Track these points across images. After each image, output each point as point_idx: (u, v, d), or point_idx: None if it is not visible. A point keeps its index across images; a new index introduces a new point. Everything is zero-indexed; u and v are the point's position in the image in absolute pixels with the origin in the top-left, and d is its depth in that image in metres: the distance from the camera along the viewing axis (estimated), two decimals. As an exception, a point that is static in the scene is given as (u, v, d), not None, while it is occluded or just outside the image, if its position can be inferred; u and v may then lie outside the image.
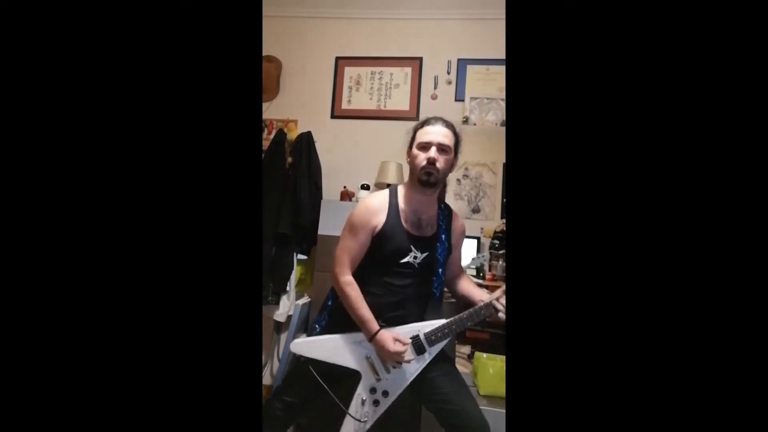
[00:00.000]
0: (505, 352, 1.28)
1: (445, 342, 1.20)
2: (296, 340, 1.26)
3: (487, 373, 1.44)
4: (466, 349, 1.70)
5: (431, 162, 1.18)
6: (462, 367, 1.63)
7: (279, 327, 2.28)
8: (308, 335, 1.30)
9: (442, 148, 1.20)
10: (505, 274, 1.96)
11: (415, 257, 1.20)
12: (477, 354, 1.52)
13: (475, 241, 2.18)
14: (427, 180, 1.19)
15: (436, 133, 1.20)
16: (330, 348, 1.21)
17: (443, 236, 1.26)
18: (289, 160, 2.27)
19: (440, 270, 1.25)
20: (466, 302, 1.29)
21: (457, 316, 1.19)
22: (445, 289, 1.34)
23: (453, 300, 1.43)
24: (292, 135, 2.32)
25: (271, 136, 2.36)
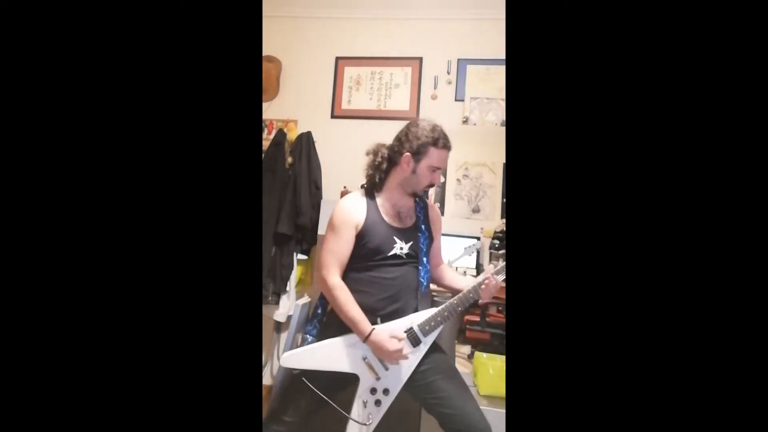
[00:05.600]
0: (505, 352, 1.28)
1: (439, 330, 1.21)
2: (286, 353, 1.20)
3: (487, 373, 1.44)
4: (466, 349, 1.69)
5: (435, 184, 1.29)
6: (462, 367, 1.62)
7: (279, 327, 2.28)
8: (299, 345, 1.26)
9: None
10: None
11: (401, 248, 1.23)
12: (477, 354, 1.52)
13: (475, 241, 2.18)
14: (422, 192, 1.29)
15: (446, 160, 1.28)
16: (324, 355, 1.18)
17: (422, 226, 1.30)
18: (289, 160, 2.27)
19: (425, 259, 1.28)
20: (452, 291, 1.31)
21: (447, 303, 1.20)
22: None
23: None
24: (292, 135, 2.32)
25: (271, 136, 2.36)
